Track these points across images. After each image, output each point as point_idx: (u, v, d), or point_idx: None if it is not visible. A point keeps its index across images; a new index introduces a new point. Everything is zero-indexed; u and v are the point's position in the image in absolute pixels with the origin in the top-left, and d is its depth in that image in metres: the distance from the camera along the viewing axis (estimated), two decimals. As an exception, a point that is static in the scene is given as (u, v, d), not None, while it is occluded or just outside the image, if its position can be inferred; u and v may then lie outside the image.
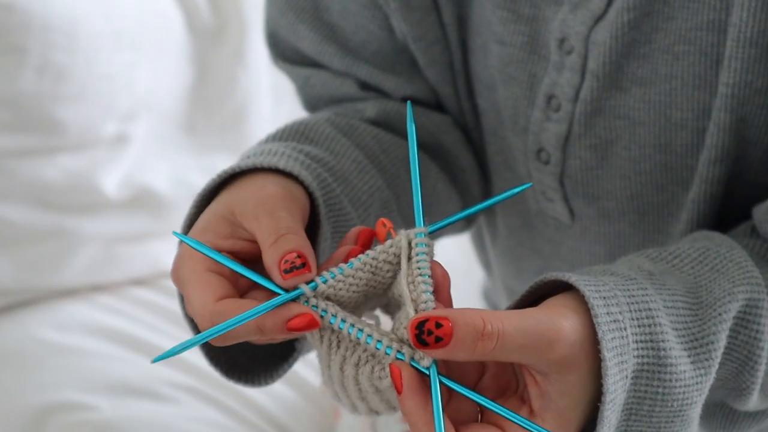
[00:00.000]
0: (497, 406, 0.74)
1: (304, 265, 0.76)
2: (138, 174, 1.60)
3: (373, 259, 0.77)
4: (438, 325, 0.71)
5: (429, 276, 0.75)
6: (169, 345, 1.49)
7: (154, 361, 0.73)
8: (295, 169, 0.85)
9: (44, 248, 1.54)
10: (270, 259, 0.76)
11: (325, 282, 0.76)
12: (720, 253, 0.85)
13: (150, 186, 1.60)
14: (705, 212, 0.96)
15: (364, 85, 1.06)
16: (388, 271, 0.78)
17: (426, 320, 0.71)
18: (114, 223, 1.58)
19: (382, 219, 0.79)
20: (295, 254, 0.76)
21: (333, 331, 0.77)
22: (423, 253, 0.77)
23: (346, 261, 0.78)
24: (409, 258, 0.77)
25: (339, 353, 0.77)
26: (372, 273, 0.77)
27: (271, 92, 1.71)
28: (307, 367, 1.44)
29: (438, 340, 0.71)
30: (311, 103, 1.09)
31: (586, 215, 1.03)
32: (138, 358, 1.46)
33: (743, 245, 0.89)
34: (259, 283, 0.78)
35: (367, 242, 0.80)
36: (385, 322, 0.81)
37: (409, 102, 0.82)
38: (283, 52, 1.09)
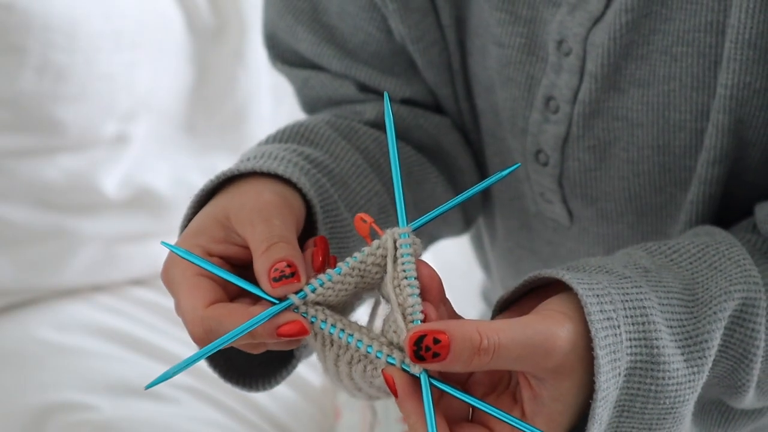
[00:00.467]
0: (489, 406, 0.74)
1: (293, 274, 0.76)
2: (138, 174, 1.60)
3: (361, 262, 0.77)
4: (436, 341, 0.71)
5: (415, 278, 0.75)
6: (169, 345, 1.49)
7: (148, 387, 0.73)
8: (294, 176, 0.85)
9: (44, 248, 1.55)
10: (260, 267, 0.77)
11: (314, 291, 0.76)
12: (719, 251, 0.85)
13: (150, 186, 1.61)
14: (704, 213, 0.96)
15: (363, 87, 1.06)
16: (376, 273, 0.78)
17: (424, 335, 0.72)
18: (114, 223, 1.58)
19: (360, 214, 0.79)
20: (285, 263, 0.76)
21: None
22: (408, 254, 0.76)
23: (314, 265, 0.78)
24: (395, 260, 0.77)
25: (332, 351, 0.77)
26: (360, 276, 0.77)
27: (271, 92, 1.71)
28: (307, 368, 1.44)
29: (435, 355, 0.72)
30: (310, 104, 1.09)
31: (585, 217, 1.03)
32: (138, 358, 1.46)
33: (744, 240, 0.90)
34: (247, 290, 0.78)
35: (323, 248, 0.80)
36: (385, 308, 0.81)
37: (386, 93, 0.81)
38: (282, 54, 1.09)
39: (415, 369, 0.73)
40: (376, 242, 0.77)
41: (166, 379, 0.73)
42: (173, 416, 1.37)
